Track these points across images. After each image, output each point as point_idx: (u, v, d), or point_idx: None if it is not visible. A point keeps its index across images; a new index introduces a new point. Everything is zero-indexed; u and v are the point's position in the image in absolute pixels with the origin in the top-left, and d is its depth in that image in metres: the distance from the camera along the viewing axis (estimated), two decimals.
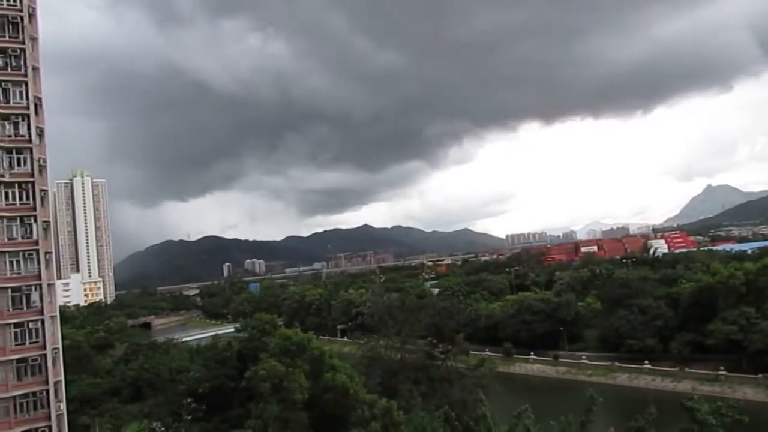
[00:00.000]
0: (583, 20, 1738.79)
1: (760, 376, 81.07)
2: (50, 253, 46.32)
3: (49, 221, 46.92)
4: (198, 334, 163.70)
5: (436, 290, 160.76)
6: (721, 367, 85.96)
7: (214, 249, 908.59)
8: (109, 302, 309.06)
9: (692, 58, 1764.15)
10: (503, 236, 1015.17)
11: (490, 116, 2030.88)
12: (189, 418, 45.66)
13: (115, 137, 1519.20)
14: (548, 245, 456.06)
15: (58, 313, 47.48)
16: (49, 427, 43.09)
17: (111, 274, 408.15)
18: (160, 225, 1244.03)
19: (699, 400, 26.94)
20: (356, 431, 34.91)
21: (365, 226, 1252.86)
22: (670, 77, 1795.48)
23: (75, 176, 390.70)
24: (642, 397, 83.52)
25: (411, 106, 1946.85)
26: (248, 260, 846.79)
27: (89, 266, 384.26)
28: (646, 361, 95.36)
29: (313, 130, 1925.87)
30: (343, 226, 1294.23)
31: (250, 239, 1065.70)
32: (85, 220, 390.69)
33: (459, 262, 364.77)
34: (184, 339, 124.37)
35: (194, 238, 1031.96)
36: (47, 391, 43.66)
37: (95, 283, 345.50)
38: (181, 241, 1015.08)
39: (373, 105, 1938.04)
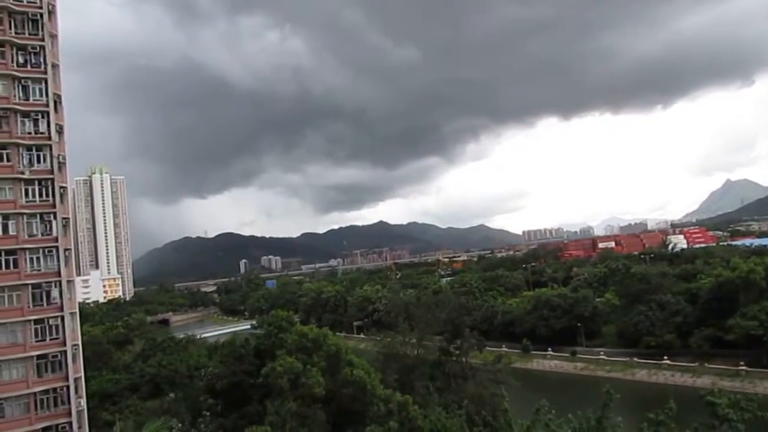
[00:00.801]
0: (603, 14, 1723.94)
1: None
2: (69, 249, 46.80)
3: (68, 218, 47.38)
4: (215, 331, 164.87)
5: (452, 286, 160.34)
6: (742, 363, 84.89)
7: (232, 246, 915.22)
8: (127, 298, 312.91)
9: (714, 51, 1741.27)
10: (519, 232, 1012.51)
11: (508, 111, 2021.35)
12: (207, 414, 46.02)
13: (134, 134, 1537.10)
14: (565, 241, 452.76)
15: (77, 310, 48.00)
16: (70, 424, 43.60)
17: (130, 271, 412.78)
18: (178, 222, 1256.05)
19: (718, 393, 26.60)
20: (373, 428, 34.88)
21: (381, 222, 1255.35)
22: (691, 71, 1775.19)
23: (94, 173, 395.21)
24: (661, 393, 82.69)
25: (428, 103, 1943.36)
26: (265, 257, 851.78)
27: (108, 263, 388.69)
28: (665, 357, 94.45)
29: (331, 127, 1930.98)
30: (359, 223, 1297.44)
31: (267, 236, 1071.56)
32: (104, 216, 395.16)
33: (475, 259, 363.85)
34: (201, 335, 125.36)
35: (212, 235, 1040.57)
36: (67, 388, 44.15)
37: (114, 279, 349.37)
38: (199, 237, 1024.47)
39: (390, 101, 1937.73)
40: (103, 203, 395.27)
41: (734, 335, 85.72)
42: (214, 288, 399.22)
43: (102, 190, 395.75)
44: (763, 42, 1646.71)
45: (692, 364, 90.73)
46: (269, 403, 41.69)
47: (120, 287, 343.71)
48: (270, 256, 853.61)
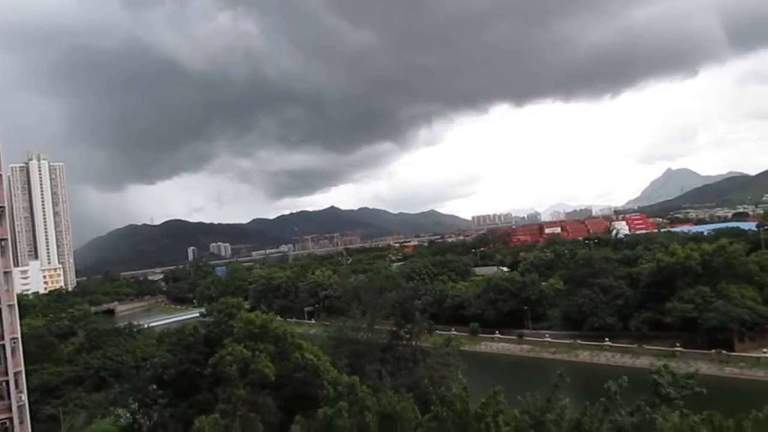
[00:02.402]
0: (559, 3, 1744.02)
1: (713, 351, 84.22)
2: (6, 239, 45.14)
3: (4, 207, 45.57)
4: (163, 320, 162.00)
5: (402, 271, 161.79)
6: (677, 344, 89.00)
7: (179, 233, 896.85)
8: (70, 289, 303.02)
9: (662, 43, 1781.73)
10: (470, 218, 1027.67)
11: (462, 98, 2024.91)
12: (155, 405, 45.36)
13: (76, 117, 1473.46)
14: (513, 227, 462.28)
15: (15, 302, 46.33)
16: (10, 419, 42.26)
17: (71, 261, 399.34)
18: (124, 209, 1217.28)
19: (664, 369, 28.01)
20: (325, 410, 35.07)
21: (332, 208, 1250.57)
22: (639, 61, 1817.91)
23: (31, 159, 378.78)
24: (602, 373, 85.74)
25: (383, 88, 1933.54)
26: (214, 244, 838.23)
27: (48, 252, 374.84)
28: (607, 339, 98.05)
29: (284, 111, 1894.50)
30: (311, 209, 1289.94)
31: (216, 223, 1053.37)
32: (43, 205, 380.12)
33: (426, 244, 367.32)
34: (148, 325, 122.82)
35: (158, 222, 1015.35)
36: (7, 382, 42.73)
37: (55, 269, 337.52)
38: (145, 225, 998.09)
39: (344, 86, 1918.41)
40: (42, 191, 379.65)
41: (671, 318, 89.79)
42: (161, 276, 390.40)
43: (40, 177, 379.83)
44: (708, 35, 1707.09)
45: (632, 346, 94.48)
46: (219, 391, 41.43)
47: (61, 277, 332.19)
48: (219, 243, 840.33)
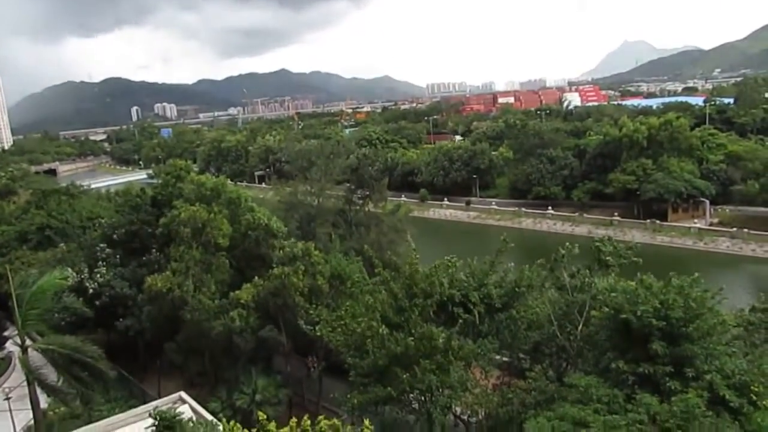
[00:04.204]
0: None
1: (648, 221, 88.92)
2: None
3: None
4: (108, 181, 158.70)
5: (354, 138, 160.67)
6: (616, 213, 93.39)
7: (121, 92, 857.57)
8: (6, 147, 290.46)
9: None
10: (424, 85, 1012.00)
11: None
12: (104, 264, 45.25)
13: None
14: (467, 95, 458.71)
15: None
16: None
17: (6, 118, 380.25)
18: (61, 64, 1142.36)
19: (607, 241, 29.45)
20: (281, 269, 35.84)
21: (283, 71, 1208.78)
22: None
23: None
24: (543, 240, 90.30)
25: None
26: (158, 104, 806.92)
27: None
28: (550, 208, 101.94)
29: None
30: (260, 71, 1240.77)
31: (160, 82, 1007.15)
32: None
33: (378, 110, 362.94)
34: (93, 186, 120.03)
35: (97, 79, 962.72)
36: None
37: None
38: (83, 82, 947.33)
39: None
40: None
41: (613, 189, 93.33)
42: (104, 137, 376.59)
43: None
44: None
45: (573, 214, 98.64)
46: (171, 251, 41.51)
47: None
48: (164, 104, 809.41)
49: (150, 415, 17.35)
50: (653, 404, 19.22)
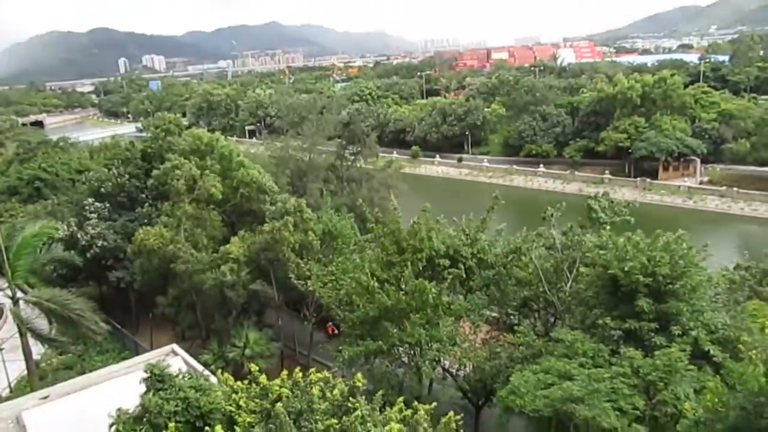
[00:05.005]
0: None
1: (638, 179, 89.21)
2: None
3: None
4: (97, 134, 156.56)
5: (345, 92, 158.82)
6: (606, 171, 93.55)
7: (108, 42, 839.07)
8: None
9: None
10: (417, 40, 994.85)
11: None
12: (95, 217, 45.05)
13: None
14: (461, 51, 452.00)
15: None
16: None
17: None
18: (48, 12, 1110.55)
19: (601, 198, 29.52)
20: (272, 224, 35.87)
21: (274, 23, 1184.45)
22: None
23: None
24: (534, 197, 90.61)
25: None
26: (146, 56, 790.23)
27: None
28: (541, 165, 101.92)
29: None
30: (250, 23, 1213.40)
31: (148, 33, 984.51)
32: None
33: (371, 65, 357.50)
34: (82, 139, 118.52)
35: (83, 29, 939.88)
36: None
37: None
38: (69, 32, 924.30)
39: None
40: None
41: (604, 147, 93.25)
42: (91, 89, 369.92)
43: None
44: None
45: (564, 172, 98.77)
46: (161, 204, 41.41)
47: None
48: (152, 55, 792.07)
49: (144, 369, 17.62)
50: (637, 358, 19.64)
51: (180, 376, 17.67)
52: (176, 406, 16.32)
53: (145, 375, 17.62)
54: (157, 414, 16.07)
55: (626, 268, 21.32)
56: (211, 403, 16.73)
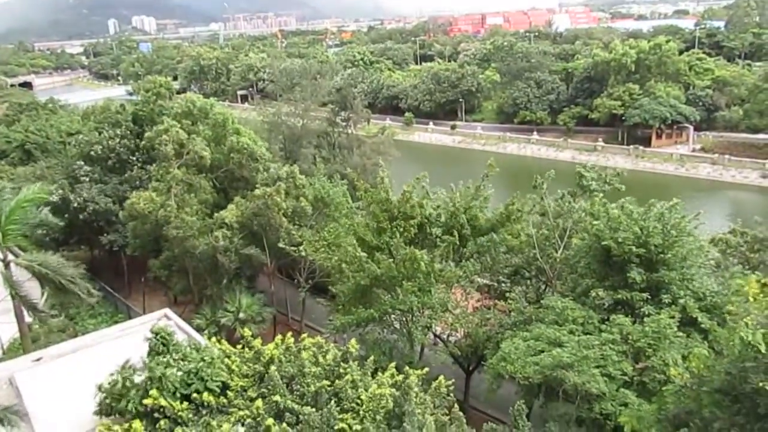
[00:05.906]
0: None
1: (631, 147, 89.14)
2: None
3: None
4: (87, 96, 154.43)
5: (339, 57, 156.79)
6: (600, 139, 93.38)
7: (97, 3, 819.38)
8: None
9: None
10: (411, 4, 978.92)
11: None
12: (86, 179, 44.64)
13: None
14: (455, 16, 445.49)
15: None
16: None
17: None
18: None
19: (591, 167, 29.53)
20: (263, 189, 35.70)
21: None
22: None
23: None
24: (527, 165, 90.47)
25: None
26: (137, 17, 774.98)
27: None
28: (535, 133, 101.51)
29: None
30: None
31: None
32: None
33: (365, 29, 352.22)
34: (72, 101, 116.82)
35: None
36: None
37: None
38: None
39: None
40: None
41: (598, 114, 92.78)
42: (81, 50, 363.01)
43: None
44: None
45: (557, 140, 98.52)
46: (152, 168, 41.04)
47: None
48: (143, 17, 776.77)
49: (150, 331, 17.69)
50: (626, 325, 19.90)
51: (186, 345, 17.81)
52: (184, 377, 16.34)
53: (150, 335, 17.68)
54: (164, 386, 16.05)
55: (619, 239, 21.38)
56: (217, 375, 16.82)
